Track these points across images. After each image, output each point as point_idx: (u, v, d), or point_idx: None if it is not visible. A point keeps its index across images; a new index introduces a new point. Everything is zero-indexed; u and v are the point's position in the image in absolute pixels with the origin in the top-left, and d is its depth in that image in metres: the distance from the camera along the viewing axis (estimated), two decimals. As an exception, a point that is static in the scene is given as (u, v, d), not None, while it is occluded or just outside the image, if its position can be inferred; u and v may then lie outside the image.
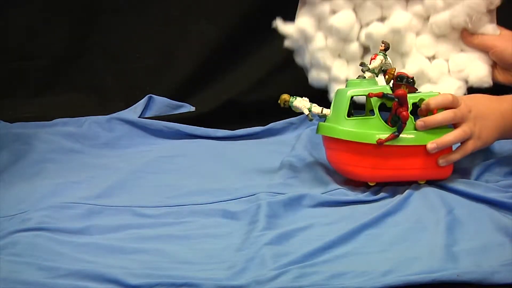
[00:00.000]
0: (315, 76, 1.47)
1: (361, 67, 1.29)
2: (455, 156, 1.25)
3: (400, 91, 1.23)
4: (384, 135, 1.24)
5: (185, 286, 1.01)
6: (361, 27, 1.45)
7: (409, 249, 1.08)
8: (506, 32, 1.42)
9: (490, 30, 1.42)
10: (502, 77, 1.41)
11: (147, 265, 1.07)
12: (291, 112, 1.31)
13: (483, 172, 1.29)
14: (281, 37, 1.54)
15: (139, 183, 1.34)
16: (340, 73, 1.44)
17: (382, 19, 1.44)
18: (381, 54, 1.29)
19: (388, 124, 1.24)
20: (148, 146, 1.51)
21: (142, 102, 1.60)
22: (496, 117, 1.27)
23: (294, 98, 1.28)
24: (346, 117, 1.25)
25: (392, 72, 1.27)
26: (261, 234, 1.13)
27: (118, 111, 1.58)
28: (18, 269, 1.04)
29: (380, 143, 1.23)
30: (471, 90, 1.41)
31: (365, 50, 1.46)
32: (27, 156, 1.44)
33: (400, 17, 1.43)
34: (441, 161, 1.25)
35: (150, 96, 1.61)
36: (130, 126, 1.54)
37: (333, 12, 1.44)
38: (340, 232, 1.12)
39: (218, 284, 1.01)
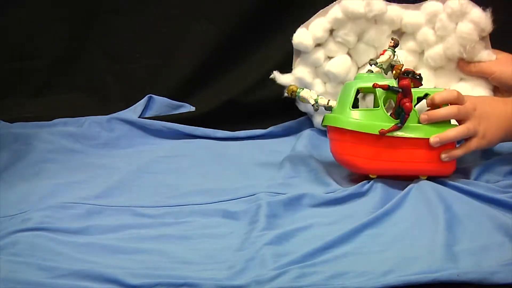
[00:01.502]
0: (320, 121, 1.47)
1: (369, 62, 1.31)
2: (458, 152, 1.26)
3: (404, 81, 1.23)
4: (387, 125, 1.24)
5: (185, 286, 1.01)
6: (358, 68, 1.48)
7: (409, 249, 1.08)
8: (502, 55, 1.44)
9: (486, 56, 1.43)
10: None
11: (147, 265, 1.06)
12: (291, 112, 1.30)
13: (483, 172, 1.29)
14: (281, 37, 1.54)
15: (139, 183, 1.34)
16: None
17: (378, 58, 1.46)
18: (390, 50, 1.32)
19: (392, 116, 1.25)
20: (148, 146, 1.51)
21: (142, 102, 1.60)
22: (501, 118, 1.28)
23: (301, 89, 1.30)
24: (351, 108, 1.26)
25: (400, 68, 1.29)
26: (261, 234, 1.13)
27: (118, 111, 1.58)
28: (18, 269, 1.04)
29: (382, 133, 1.24)
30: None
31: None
32: (27, 156, 1.44)
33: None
34: (444, 156, 1.25)
35: (150, 96, 1.61)
36: (130, 126, 1.54)
37: (328, 58, 1.47)
38: (340, 232, 1.12)
39: (218, 284, 1.01)
